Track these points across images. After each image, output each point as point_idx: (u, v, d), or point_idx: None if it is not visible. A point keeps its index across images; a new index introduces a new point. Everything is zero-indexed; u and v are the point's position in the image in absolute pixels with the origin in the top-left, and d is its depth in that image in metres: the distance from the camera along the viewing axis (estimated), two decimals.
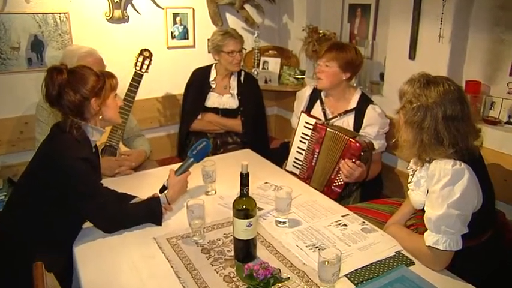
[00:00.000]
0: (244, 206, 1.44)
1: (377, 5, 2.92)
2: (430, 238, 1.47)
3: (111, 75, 1.72)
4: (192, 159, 1.88)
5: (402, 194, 2.62)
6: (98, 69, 1.72)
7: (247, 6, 3.38)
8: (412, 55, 2.43)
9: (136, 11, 3.03)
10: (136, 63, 2.49)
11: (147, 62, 2.51)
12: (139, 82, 2.47)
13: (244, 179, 1.44)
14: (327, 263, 1.33)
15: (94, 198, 1.59)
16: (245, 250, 1.49)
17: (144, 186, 2.02)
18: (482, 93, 2.24)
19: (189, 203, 1.64)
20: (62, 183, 1.55)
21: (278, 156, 2.78)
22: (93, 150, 1.74)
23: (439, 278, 1.44)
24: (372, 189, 2.44)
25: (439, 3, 2.20)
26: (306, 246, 1.60)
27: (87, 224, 1.71)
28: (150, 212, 1.73)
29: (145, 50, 2.53)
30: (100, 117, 1.69)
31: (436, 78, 1.53)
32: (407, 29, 2.42)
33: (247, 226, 1.44)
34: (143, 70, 2.50)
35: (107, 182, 1.83)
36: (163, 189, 1.86)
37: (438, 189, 1.45)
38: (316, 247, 1.60)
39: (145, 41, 3.00)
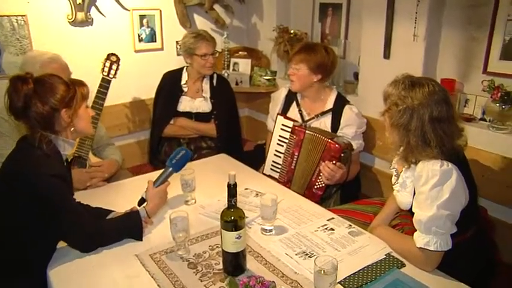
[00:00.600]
0: (232, 218, 1.39)
1: (348, 4, 2.93)
2: (420, 239, 1.47)
3: (81, 83, 1.62)
4: (171, 169, 1.81)
5: (380, 193, 2.66)
6: (64, 76, 1.61)
7: (216, 7, 3.33)
8: (386, 54, 2.45)
9: (101, 13, 2.91)
10: (103, 68, 2.38)
11: (114, 66, 2.41)
12: (107, 88, 2.36)
13: (232, 189, 1.39)
14: (322, 272, 1.30)
15: (70, 216, 1.49)
16: (235, 263, 1.45)
17: (118, 198, 1.94)
18: (457, 90, 2.28)
19: (172, 215, 1.57)
20: (34, 204, 1.43)
21: (253, 159, 2.76)
22: (65, 164, 1.63)
23: (431, 279, 1.44)
24: (351, 190, 2.45)
25: (412, 2, 2.22)
26: (296, 254, 1.57)
27: (61, 244, 1.60)
28: (130, 227, 1.65)
29: (112, 54, 2.42)
30: (72, 129, 1.58)
31: (420, 79, 1.53)
32: (381, 28, 2.43)
33: (237, 238, 1.40)
34: (111, 75, 2.39)
35: (79, 196, 1.73)
36: (142, 201, 1.78)
37: (427, 190, 1.46)
38: (306, 254, 1.57)
39: (111, 44, 2.90)
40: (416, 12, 2.22)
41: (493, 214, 1.99)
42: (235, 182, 1.39)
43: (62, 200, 1.48)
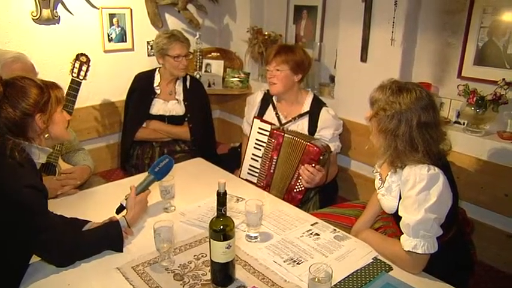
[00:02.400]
0: (222, 227, 1.36)
1: (324, 7, 2.95)
2: (408, 243, 1.49)
3: (56, 86, 1.53)
4: (153, 177, 1.75)
5: (357, 195, 2.69)
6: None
7: (189, 6, 3.27)
8: (363, 58, 2.47)
9: (68, 10, 2.79)
10: (72, 69, 2.29)
11: (84, 67, 2.32)
12: (77, 90, 2.27)
13: (222, 198, 1.36)
14: (317, 280, 1.28)
15: (47, 231, 1.39)
16: (224, 273, 1.41)
17: (92, 206, 1.86)
18: (432, 94, 2.31)
19: (156, 225, 1.51)
20: (6, 217, 1.33)
21: (228, 162, 2.75)
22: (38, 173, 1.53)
23: (418, 281, 1.46)
24: (329, 192, 2.46)
25: (390, 7, 2.26)
26: (284, 261, 1.55)
27: (35, 258, 1.49)
28: (110, 238, 1.57)
29: (82, 54, 2.33)
30: (46, 135, 1.48)
31: (407, 84, 1.55)
32: (358, 31, 2.46)
33: (227, 248, 1.36)
34: (81, 77, 2.30)
35: (50, 205, 1.62)
36: (121, 209, 1.71)
37: (414, 194, 1.47)
38: (295, 261, 1.55)
39: (80, 44, 2.79)
40: (394, 17, 2.25)
41: (468, 214, 2.04)
42: (225, 191, 1.36)
43: (38, 214, 1.38)
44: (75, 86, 2.26)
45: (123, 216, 1.66)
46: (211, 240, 1.37)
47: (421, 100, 1.49)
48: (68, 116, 1.62)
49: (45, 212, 1.45)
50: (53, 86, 1.51)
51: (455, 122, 2.28)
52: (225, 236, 1.35)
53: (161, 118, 2.77)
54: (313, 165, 2.17)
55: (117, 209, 1.71)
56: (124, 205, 1.70)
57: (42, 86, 1.47)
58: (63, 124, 1.55)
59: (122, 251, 1.58)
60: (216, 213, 1.38)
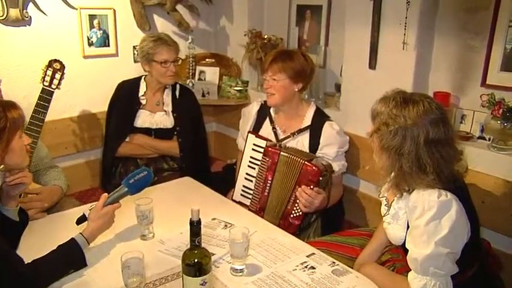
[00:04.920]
0: (196, 260, 1.33)
1: (329, 7, 2.93)
2: (416, 281, 1.45)
3: (13, 106, 1.51)
4: (126, 190, 1.74)
5: (366, 220, 2.65)
6: None
7: (179, 7, 3.28)
8: (372, 64, 2.44)
9: (41, 10, 2.79)
10: (44, 77, 2.27)
11: (58, 75, 2.31)
12: (49, 101, 2.26)
13: (196, 227, 1.33)
14: None
15: (6, 270, 1.37)
16: None
17: (62, 232, 1.79)
18: (452, 105, 2.29)
19: (124, 257, 1.47)
20: None
21: (222, 182, 2.74)
22: None
23: None
24: (333, 217, 2.41)
25: (402, 6, 2.23)
26: None
27: None
28: (69, 256, 1.56)
29: (56, 61, 2.33)
30: (1, 166, 1.47)
31: (413, 95, 1.52)
32: (366, 34, 2.43)
33: (202, 285, 1.34)
34: (53, 86, 2.29)
35: None
36: (82, 220, 1.70)
37: (422, 224, 1.43)
38: None
39: (55, 49, 2.80)
40: (406, 17, 2.22)
41: (495, 246, 1.97)
42: (199, 219, 1.33)
43: None
44: (46, 96, 2.24)
45: (80, 233, 1.64)
46: (183, 275, 1.34)
47: (429, 113, 1.45)
48: (28, 139, 1.60)
49: (5, 249, 1.42)
50: (10, 106, 1.50)
51: (479, 138, 2.22)
52: (200, 270, 1.32)
53: (147, 131, 2.76)
54: (311, 187, 2.13)
55: (78, 220, 1.70)
56: (86, 216, 1.68)
57: None
58: (21, 150, 1.54)
59: (86, 265, 1.59)
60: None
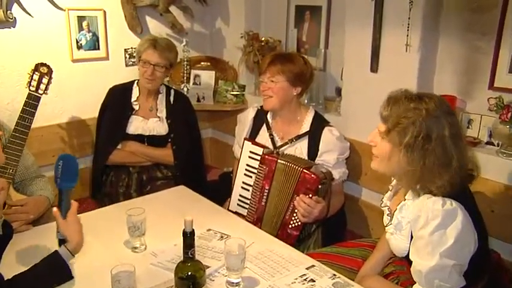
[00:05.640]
0: (189, 273, 1.34)
1: (329, 7, 2.95)
2: None
3: None
4: (64, 190, 1.73)
5: (369, 230, 2.65)
6: None
7: (173, 9, 3.30)
8: (374, 67, 2.45)
9: (26, 12, 2.80)
10: (30, 82, 2.27)
11: (45, 80, 2.31)
12: (35, 107, 2.25)
13: (189, 238, 1.33)
14: None
15: None
16: None
17: (49, 244, 1.80)
18: (458, 109, 2.29)
19: (114, 270, 1.46)
20: None
21: (218, 191, 2.73)
22: None
23: None
24: (334, 227, 2.41)
25: (404, 6, 2.23)
26: None
27: None
28: (52, 269, 1.56)
29: (42, 64, 2.33)
30: None
31: (422, 92, 1.53)
32: (367, 36, 2.44)
33: None
34: (40, 91, 2.29)
35: None
36: (63, 242, 1.70)
37: (426, 234, 1.43)
38: None
39: (41, 52, 2.81)
40: (409, 18, 2.22)
41: (506, 257, 1.97)
42: (193, 230, 1.33)
43: None
44: (32, 101, 2.24)
45: (65, 245, 1.64)
46: None
47: (444, 105, 1.47)
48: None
49: None
50: None
51: (488, 143, 2.23)
52: (193, 284, 1.34)
53: (140, 138, 2.76)
54: (310, 195, 2.13)
55: (59, 243, 1.71)
56: (62, 237, 1.69)
57: None
58: None
59: (72, 277, 1.59)
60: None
